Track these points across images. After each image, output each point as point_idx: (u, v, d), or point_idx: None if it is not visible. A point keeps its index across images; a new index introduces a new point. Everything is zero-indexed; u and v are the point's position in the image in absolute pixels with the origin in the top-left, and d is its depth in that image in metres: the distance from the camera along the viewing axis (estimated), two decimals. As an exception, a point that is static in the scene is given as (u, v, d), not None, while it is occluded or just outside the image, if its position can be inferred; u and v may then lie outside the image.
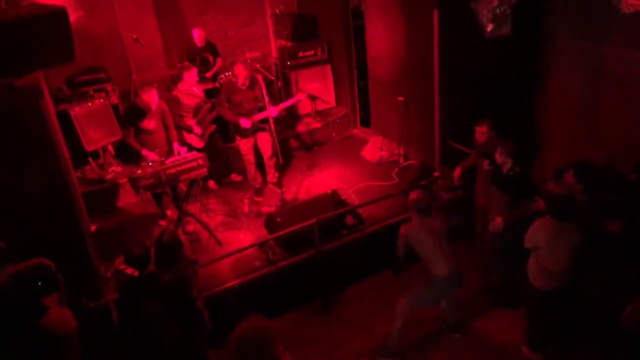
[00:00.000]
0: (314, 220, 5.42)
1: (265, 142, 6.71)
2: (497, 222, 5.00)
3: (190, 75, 6.70)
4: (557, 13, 6.29)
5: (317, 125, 8.45)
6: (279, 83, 8.96)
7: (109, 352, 4.34)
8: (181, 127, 6.57)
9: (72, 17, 5.22)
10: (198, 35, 8.00)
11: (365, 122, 8.74)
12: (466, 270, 5.75)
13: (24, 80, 4.14)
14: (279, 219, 5.86)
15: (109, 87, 7.59)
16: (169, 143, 6.34)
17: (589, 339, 4.76)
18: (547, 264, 4.28)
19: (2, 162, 4.29)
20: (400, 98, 7.19)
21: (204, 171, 5.76)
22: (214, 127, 6.93)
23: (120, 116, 6.86)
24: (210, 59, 8.20)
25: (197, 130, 6.65)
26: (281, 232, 5.58)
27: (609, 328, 4.52)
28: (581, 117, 6.30)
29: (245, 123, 6.41)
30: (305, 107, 8.58)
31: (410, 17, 6.80)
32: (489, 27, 5.80)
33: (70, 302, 3.65)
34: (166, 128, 6.32)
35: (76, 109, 6.73)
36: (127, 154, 7.00)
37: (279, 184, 6.87)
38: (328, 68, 8.78)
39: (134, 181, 5.48)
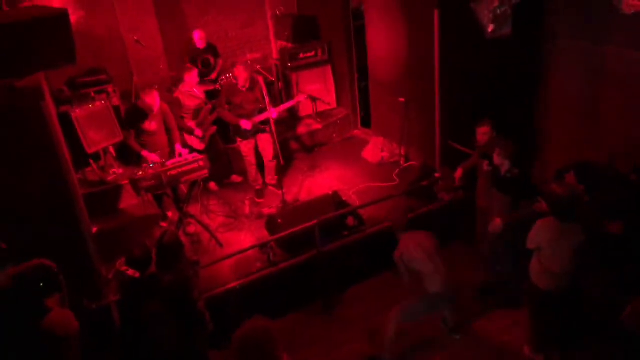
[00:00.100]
0: (315, 221, 5.43)
1: (267, 143, 6.72)
2: (496, 223, 5.00)
3: (191, 77, 6.71)
4: (557, 13, 6.29)
5: (318, 126, 8.46)
6: (280, 84, 8.96)
7: (110, 353, 4.34)
8: (182, 129, 6.57)
9: (73, 17, 5.24)
10: (199, 37, 8.00)
11: (366, 123, 8.74)
12: (466, 270, 5.81)
13: (25, 82, 4.15)
14: (279, 220, 5.86)
15: (110, 89, 7.59)
16: (171, 144, 6.34)
17: (589, 339, 4.75)
18: (549, 265, 4.28)
19: (3, 163, 4.30)
20: (401, 99, 7.20)
21: (204, 173, 5.77)
22: (214, 128, 6.94)
23: (121, 118, 6.87)
24: (212, 60, 8.21)
25: (198, 132, 6.65)
26: (282, 234, 5.58)
27: (609, 328, 4.52)
28: (581, 117, 6.30)
29: (245, 124, 6.42)
30: (306, 109, 8.58)
31: (410, 17, 6.81)
32: (490, 28, 5.80)
33: (71, 303, 3.66)
34: (168, 130, 6.32)
35: (77, 110, 6.74)
36: (128, 155, 7.00)
37: (278, 185, 6.88)
38: (329, 69, 8.78)
39: (135, 183, 5.48)
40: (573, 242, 4.16)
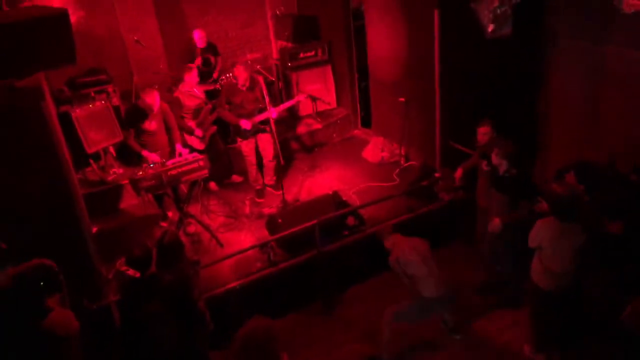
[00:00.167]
0: (315, 221, 5.43)
1: (267, 143, 6.72)
2: (495, 223, 5.01)
3: (191, 77, 6.71)
4: (557, 13, 6.29)
5: (318, 126, 8.46)
6: (280, 84, 8.97)
7: (110, 352, 4.34)
8: (182, 129, 6.57)
9: (73, 17, 5.24)
10: (199, 36, 8.01)
11: (366, 123, 8.74)
12: (466, 270, 5.81)
13: (25, 82, 4.15)
14: (280, 220, 5.86)
15: (110, 89, 7.59)
16: (171, 144, 6.34)
17: (589, 339, 4.75)
18: (550, 264, 4.28)
19: (3, 163, 4.30)
20: (401, 99, 7.19)
21: (205, 172, 5.77)
22: (214, 128, 6.94)
23: (122, 118, 6.87)
24: (212, 59, 8.21)
25: (198, 132, 6.65)
26: (282, 233, 5.58)
27: (609, 328, 4.52)
28: (582, 117, 6.30)
29: (245, 124, 6.42)
30: (306, 108, 8.59)
31: (410, 17, 6.81)
32: (490, 28, 5.80)
33: (71, 303, 3.66)
34: (168, 129, 6.32)
35: (77, 110, 6.74)
36: (128, 155, 7.00)
37: (276, 186, 6.89)
38: (329, 69, 8.78)
39: (135, 183, 5.49)
40: (573, 242, 4.17)
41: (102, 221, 6.42)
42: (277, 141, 6.44)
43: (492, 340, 5.09)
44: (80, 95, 7.36)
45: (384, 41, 7.52)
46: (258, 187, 6.96)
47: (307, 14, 9.01)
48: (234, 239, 6.22)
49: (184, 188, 6.34)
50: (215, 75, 8.11)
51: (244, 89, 6.45)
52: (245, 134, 6.57)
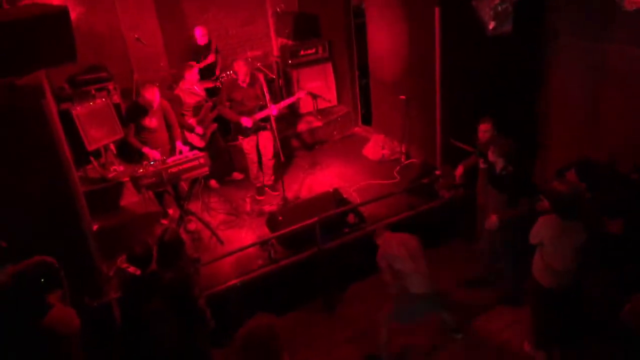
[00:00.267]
0: (315, 218, 5.43)
1: (267, 141, 6.71)
2: (492, 220, 5.02)
3: (192, 74, 6.71)
4: (558, 10, 6.27)
5: (319, 123, 8.46)
6: (280, 81, 8.97)
7: (110, 350, 4.35)
8: (183, 126, 6.57)
9: (73, 15, 5.23)
10: (201, 34, 8.00)
11: (367, 120, 8.74)
12: (466, 267, 5.82)
13: (26, 80, 4.15)
14: (280, 218, 5.87)
15: (110, 86, 7.60)
16: (172, 142, 6.34)
17: (589, 338, 4.76)
18: (551, 262, 4.29)
19: (3, 161, 4.30)
20: (402, 96, 7.19)
21: (205, 170, 5.78)
22: (215, 126, 6.94)
23: (122, 115, 6.87)
24: (213, 56, 8.21)
25: (199, 129, 6.65)
26: (283, 231, 5.59)
27: (609, 328, 4.52)
28: (582, 116, 6.29)
29: (246, 122, 6.41)
30: (306, 106, 8.59)
31: (411, 15, 6.80)
32: (491, 25, 5.79)
33: (72, 300, 3.66)
34: (168, 127, 6.32)
35: (78, 108, 6.74)
36: (128, 153, 7.01)
37: (275, 186, 6.90)
38: (329, 66, 8.78)
39: (135, 180, 5.49)
40: (574, 240, 4.16)
41: (103, 218, 6.44)
42: (277, 138, 6.44)
43: (492, 339, 5.09)
44: (80, 93, 7.36)
45: (384, 39, 7.52)
46: (259, 185, 6.96)
47: (307, 12, 9.00)
48: (234, 236, 6.22)
49: (184, 185, 6.34)
50: (216, 72, 8.11)
51: (245, 85, 6.44)
52: (246, 132, 6.57)
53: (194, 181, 6.08)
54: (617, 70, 5.80)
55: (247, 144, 6.71)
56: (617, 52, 5.75)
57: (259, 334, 2.76)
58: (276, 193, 6.87)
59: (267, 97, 6.26)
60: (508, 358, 4.90)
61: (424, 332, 5.14)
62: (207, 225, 6.16)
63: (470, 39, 5.96)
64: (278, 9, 9.27)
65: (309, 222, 5.45)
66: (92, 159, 7.14)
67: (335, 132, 8.62)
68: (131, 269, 4.00)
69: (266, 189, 7.01)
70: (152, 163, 5.56)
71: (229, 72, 7.54)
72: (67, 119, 6.41)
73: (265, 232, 6.09)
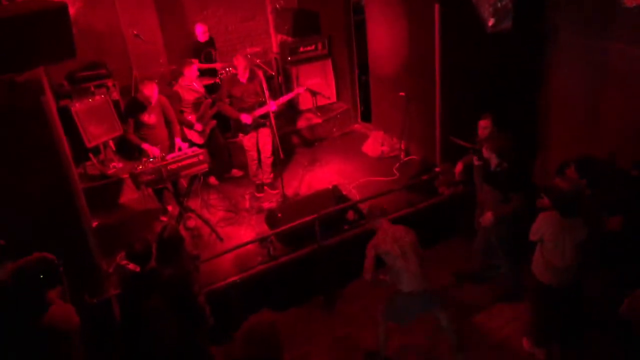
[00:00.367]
0: (315, 215, 5.43)
1: (266, 139, 6.70)
2: (487, 217, 5.03)
3: (191, 71, 6.69)
4: (558, 8, 6.26)
5: (318, 120, 8.45)
6: (280, 78, 8.95)
7: (110, 347, 4.35)
8: (182, 123, 6.56)
9: (72, 10, 5.22)
10: (202, 30, 7.99)
11: (366, 117, 8.74)
12: (466, 266, 5.82)
13: (25, 77, 4.14)
14: (279, 215, 5.86)
15: (109, 83, 7.60)
16: (171, 138, 6.34)
17: (589, 337, 4.76)
18: (551, 259, 4.29)
19: (3, 158, 4.30)
20: (402, 93, 7.18)
21: (204, 167, 5.78)
22: (214, 122, 6.93)
23: (121, 112, 6.87)
24: (213, 53, 8.20)
25: (198, 126, 6.64)
26: (282, 228, 5.59)
27: (609, 327, 4.53)
28: (583, 115, 6.28)
29: (246, 119, 6.40)
30: (306, 103, 8.58)
31: (411, 12, 6.79)
32: (490, 22, 5.78)
33: (72, 297, 3.67)
34: (168, 123, 6.31)
35: (77, 104, 6.73)
36: (128, 150, 7.01)
37: (273, 184, 6.90)
38: (329, 63, 8.76)
39: (135, 177, 5.48)
40: (575, 236, 4.17)
41: (102, 215, 6.44)
42: (276, 135, 6.43)
43: (492, 336, 5.09)
44: (80, 90, 7.36)
45: (384, 36, 7.51)
46: (258, 182, 6.96)
47: (307, 8, 8.99)
48: (233, 233, 6.22)
49: (183, 182, 6.34)
50: (218, 66, 8.10)
51: (244, 80, 6.42)
52: (246, 129, 6.56)
53: (194, 178, 6.08)
54: (618, 69, 5.79)
55: (247, 141, 6.70)
56: (617, 51, 5.75)
57: (260, 330, 2.79)
58: (275, 191, 6.87)
59: (267, 93, 6.24)
60: (508, 355, 4.90)
61: (424, 331, 5.14)
62: (206, 222, 6.16)
63: (470, 37, 5.95)
64: (277, 6, 9.26)
65: (308, 219, 5.45)
66: (91, 155, 7.14)
67: (334, 129, 8.61)
68: (131, 266, 4.00)
69: (265, 187, 7.00)
70: (151, 160, 5.56)
71: (228, 68, 7.53)
72: (66, 115, 6.40)
73: (264, 229, 6.10)
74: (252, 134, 6.64)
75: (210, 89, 7.58)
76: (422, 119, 7.03)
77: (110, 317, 4.61)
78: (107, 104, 6.99)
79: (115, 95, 7.57)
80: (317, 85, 8.45)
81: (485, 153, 5.00)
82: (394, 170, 7.21)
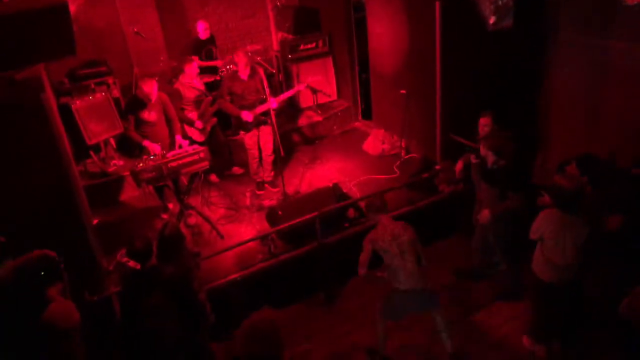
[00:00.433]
0: (315, 213, 5.43)
1: (267, 137, 6.70)
2: (484, 215, 5.03)
3: (191, 68, 6.69)
4: (559, 5, 6.25)
5: (319, 118, 8.45)
6: (280, 76, 8.95)
7: (111, 345, 4.36)
8: (182, 120, 6.56)
9: (72, 7, 5.21)
10: (203, 28, 7.98)
11: (367, 115, 8.73)
12: (467, 263, 5.82)
13: (26, 74, 4.14)
14: (280, 212, 5.87)
15: (110, 81, 7.59)
16: (171, 136, 6.33)
17: (590, 338, 4.76)
18: (552, 256, 4.29)
19: (3, 156, 4.29)
20: (402, 91, 7.18)
21: (205, 164, 5.77)
22: (215, 120, 6.93)
23: (122, 109, 6.87)
24: (214, 50, 8.19)
25: (199, 124, 6.64)
26: (283, 225, 5.59)
27: (609, 327, 4.53)
28: (583, 113, 6.28)
29: (247, 116, 6.40)
30: (306, 100, 8.58)
31: (411, 9, 6.78)
32: (491, 20, 5.79)
33: (72, 295, 3.67)
34: (168, 121, 6.31)
35: (77, 102, 6.73)
36: (128, 147, 7.00)
37: (274, 182, 6.89)
38: (329, 61, 8.77)
39: (135, 174, 5.49)
40: (575, 234, 4.16)
41: (103, 213, 6.44)
42: (277, 132, 6.42)
43: (492, 334, 5.09)
44: (80, 87, 7.36)
45: (384, 33, 7.50)
46: (259, 180, 6.96)
47: (307, 5, 8.98)
48: (234, 230, 6.23)
49: (184, 180, 6.34)
50: (219, 63, 8.10)
51: (245, 77, 6.41)
52: (247, 126, 6.55)
53: (194, 175, 6.08)
54: (618, 68, 5.78)
55: (249, 139, 6.70)
56: (618, 50, 5.73)
57: (261, 328, 2.81)
58: (276, 189, 6.87)
59: (267, 91, 6.24)
60: (508, 352, 4.90)
61: (423, 330, 5.14)
62: (207, 219, 6.17)
63: (471, 35, 5.95)
64: (278, 3, 9.25)
65: (308, 216, 5.46)
66: (92, 153, 7.14)
67: (335, 127, 8.61)
68: (131, 263, 3.99)
69: (265, 185, 7.00)
70: (152, 157, 5.56)
71: (229, 66, 7.53)
72: (66, 113, 6.39)
73: (265, 226, 6.10)
74: (254, 132, 6.64)
75: (211, 87, 7.57)
76: (422, 117, 7.02)
77: (110, 315, 4.62)
78: (108, 102, 6.99)
79: (116, 92, 7.56)
80: (317, 83, 8.43)
81: (482, 151, 5.00)
82: (395, 168, 7.21)
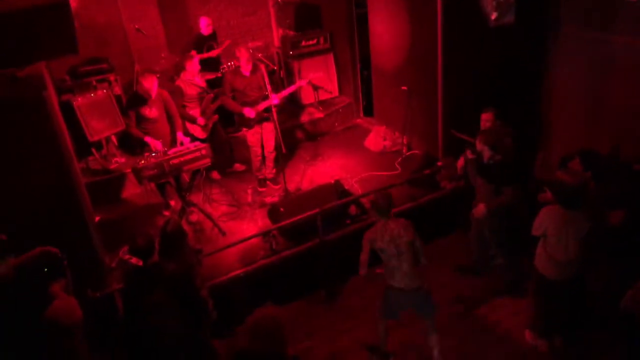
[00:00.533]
0: (317, 210, 5.43)
1: (270, 133, 6.69)
2: (480, 209, 5.03)
3: (193, 65, 6.68)
4: (560, 1, 6.23)
5: (320, 115, 8.44)
6: (282, 72, 8.94)
7: (113, 342, 4.37)
8: (184, 117, 6.56)
9: (74, 4, 5.20)
10: (206, 24, 7.98)
11: (369, 111, 8.72)
12: (468, 260, 5.82)
13: (27, 71, 4.14)
14: (282, 209, 5.87)
15: (111, 78, 7.60)
16: (173, 133, 6.33)
17: (592, 333, 4.76)
18: (554, 253, 4.28)
19: (5, 154, 4.30)
20: (404, 87, 7.17)
21: (207, 161, 5.77)
22: (216, 117, 6.93)
23: (123, 106, 6.87)
24: (215, 46, 8.19)
25: (201, 120, 6.64)
26: (284, 222, 5.59)
27: (611, 322, 4.53)
28: (585, 108, 6.27)
29: (249, 112, 6.39)
30: (308, 97, 8.57)
31: (413, 5, 6.77)
32: (493, 16, 5.78)
33: (75, 292, 3.67)
34: (169, 118, 6.31)
35: (79, 99, 6.73)
36: (130, 144, 7.00)
37: (276, 179, 6.89)
38: (331, 57, 8.75)
39: (137, 172, 5.49)
40: (577, 230, 4.16)
41: (105, 210, 6.45)
42: (278, 129, 6.42)
43: (494, 329, 5.10)
44: (82, 84, 7.36)
45: (386, 29, 7.48)
46: (261, 177, 6.96)
47: (309, 2, 8.95)
48: (236, 227, 6.23)
49: (185, 177, 6.34)
50: (214, 53, 8.11)
51: (247, 73, 6.39)
52: (249, 123, 6.54)
53: (196, 172, 6.08)
54: (620, 63, 5.76)
55: (251, 136, 6.68)
56: (620, 44, 5.71)
57: (265, 325, 2.83)
58: (277, 186, 6.87)
59: (269, 87, 6.23)
60: (510, 347, 4.91)
61: (423, 328, 5.13)
62: (209, 216, 6.17)
63: (473, 31, 5.94)
64: (279, 0, 9.23)
65: (310, 213, 5.46)
66: (93, 150, 7.15)
67: (336, 124, 8.60)
68: (133, 260, 4.01)
69: (267, 181, 7.00)
70: (153, 154, 5.56)
71: (231, 62, 7.52)
72: (68, 110, 6.40)
73: (267, 223, 6.11)
74: (257, 129, 6.62)
75: (213, 84, 7.57)
76: (424, 113, 7.02)
77: (113, 312, 4.63)
78: (109, 99, 6.99)
79: (117, 90, 7.57)
80: (319, 80, 8.44)
81: (479, 145, 5.00)
82: (396, 165, 7.21)
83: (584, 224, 4.15)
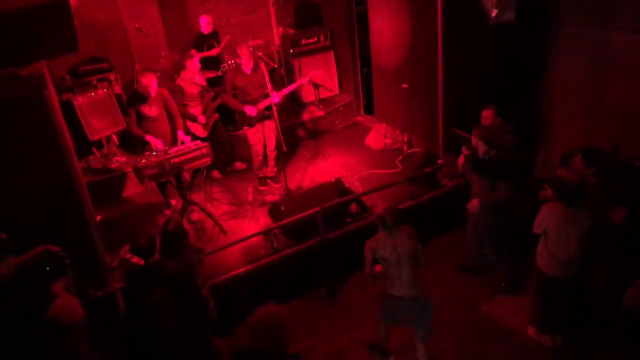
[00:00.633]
0: (318, 208, 5.43)
1: (271, 132, 6.68)
2: (473, 204, 5.03)
3: (193, 63, 6.67)
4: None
5: (321, 113, 8.44)
6: (282, 71, 8.93)
7: (115, 341, 4.37)
8: (184, 116, 6.56)
9: (73, 3, 5.20)
10: (206, 22, 7.97)
11: (369, 109, 8.72)
12: (468, 258, 5.82)
13: (27, 70, 4.14)
14: (283, 208, 5.87)
15: (112, 77, 7.59)
16: (173, 132, 6.33)
17: (592, 331, 4.76)
18: (555, 251, 4.29)
19: (6, 153, 4.30)
20: (404, 85, 7.16)
21: (208, 160, 5.77)
22: (216, 116, 6.92)
23: (123, 105, 6.87)
24: (216, 45, 8.18)
25: (202, 119, 6.63)
26: (285, 221, 5.59)
27: (612, 320, 4.53)
28: (585, 106, 6.26)
29: (250, 111, 6.38)
30: (308, 95, 8.57)
31: (413, 3, 6.76)
32: (493, 13, 5.76)
33: (76, 291, 3.68)
34: (170, 117, 6.30)
35: (79, 98, 6.73)
36: (131, 143, 7.01)
37: (277, 178, 6.89)
38: (331, 55, 8.75)
39: (138, 171, 5.49)
40: (579, 228, 4.16)
41: (106, 209, 6.46)
42: (279, 127, 6.41)
43: (496, 326, 5.10)
44: (82, 83, 7.36)
45: (386, 27, 7.48)
46: (261, 175, 6.96)
47: (309, 0, 8.94)
48: (237, 226, 6.24)
49: (186, 176, 6.34)
50: (219, 50, 8.10)
51: (248, 71, 6.38)
52: (251, 122, 6.54)
53: (196, 171, 6.08)
54: (621, 60, 5.75)
55: (253, 134, 6.66)
56: (620, 41, 5.71)
57: (266, 324, 2.83)
58: (278, 184, 6.87)
59: (269, 86, 6.23)
60: (513, 344, 4.91)
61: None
62: (209, 215, 6.17)
63: (473, 29, 5.93)
64: (279, -2, 9.23)
65: (311, 212, 5.45)
66: (94, 149, 7.15)
67: (337, 122, 8.60)
68: (134, 260, 4.00)
69: (268, 180, 7.00)
70: (154, 153, 5.56)
71: (231, 61, 7.52)
72: (68, 109, 6.40)
73: (267, 222, 6.11)
74: (258, 128, 6.60)
75: (213, 82, 7.56)
76: (424, 111, 7.01)
77: (114, 311, 4.63)
78: (110, 98, 6.99)
79: (118, 89, 7.56)
80: (319, 78, 8.42)
81: (474, 140, 5.00)
82: (397, 163, 7.21)
83: (585, 222, 4.15)
